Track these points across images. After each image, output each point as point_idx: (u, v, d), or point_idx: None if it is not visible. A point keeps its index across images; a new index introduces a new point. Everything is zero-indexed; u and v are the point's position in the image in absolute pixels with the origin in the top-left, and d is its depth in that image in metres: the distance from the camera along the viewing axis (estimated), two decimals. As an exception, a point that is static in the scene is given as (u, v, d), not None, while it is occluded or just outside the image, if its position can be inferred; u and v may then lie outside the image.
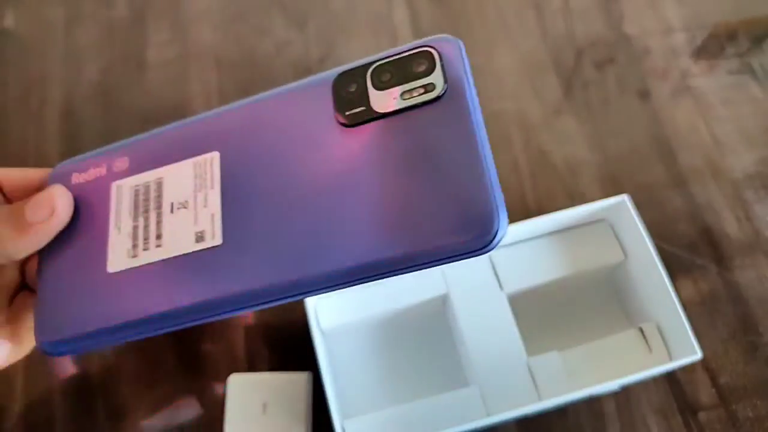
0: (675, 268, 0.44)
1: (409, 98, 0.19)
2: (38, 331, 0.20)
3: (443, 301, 0.40)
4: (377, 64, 0.20)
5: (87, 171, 0.22)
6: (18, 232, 0.20)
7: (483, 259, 0.40)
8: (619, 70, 0.52)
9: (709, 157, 0.48)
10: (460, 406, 0.36)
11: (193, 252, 0.20)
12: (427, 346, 0.41)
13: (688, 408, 0.40)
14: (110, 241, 0.21)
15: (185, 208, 0.20)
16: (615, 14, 0.54)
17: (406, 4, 0.55)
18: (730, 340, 0.42)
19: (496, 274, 0.39)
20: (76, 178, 0.23)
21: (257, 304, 0.19)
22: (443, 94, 0.18)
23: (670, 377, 0.41)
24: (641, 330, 0.39)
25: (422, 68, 0.19)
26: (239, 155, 0.20)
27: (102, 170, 0.22)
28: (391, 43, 0.53)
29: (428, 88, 0.18)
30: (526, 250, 0.40)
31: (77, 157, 0.23)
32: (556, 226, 0.40)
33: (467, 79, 0.19)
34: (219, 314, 0.19)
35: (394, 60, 0.19)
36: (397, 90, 0.19)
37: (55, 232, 0.21)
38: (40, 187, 0.23)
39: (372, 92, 0.19)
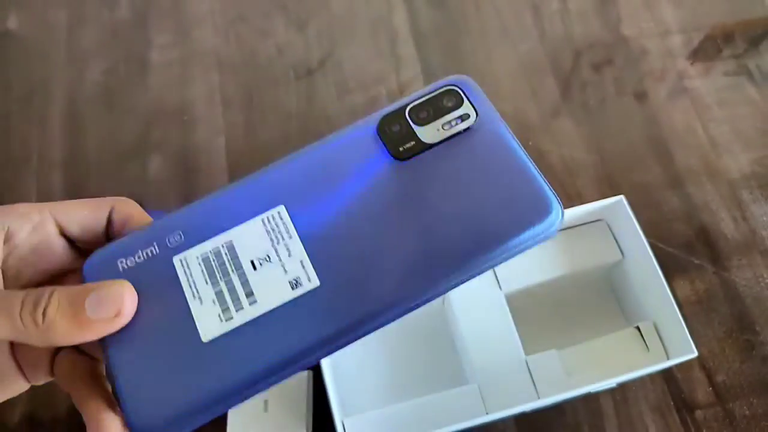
0: (672, 267, 0.44)
1: (449, 128, 0.22)
2: (135, 419, 0.20)
3: (443, 300, 0.41)
4: (412, 105, 0.23)
5: (134, 254, 0.22)
6: (76, 326, 0.19)
7: (482, 258, 0.40)
8: (617, 71, 0.52)
9: (706, 157, 0.49)
10: (460, 404, 0.36)
11: (292, 299, 0.21)
12: (426, 344, 0.42)
13: (685, 406, 0.40)
14: (194, 312, 0.21)
15: (269, 262, 0.21)
16: (612, 16, 0.55)
17: (405, 7, 0.56)
18: (727, 339, 0.42)
19: (494, 274, 0.40)
20: (124, 264, 0.21)
21: (367, 331, 0.21)
22: (476, 119, 0.22)
23: (667, 375, 0.41)
24: (638, 329, 0.39)
25: (452, 103, 0.23)
26: (305, 204, 0.22)
27: (153, 249, 0.22)
28: (390, 45, 0.54)
29: (463, 117, 0.22)
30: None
31: (112, 244, 0.22)
32: (554, 226, 0.41)
33: (491, 106, 0.23)
34: (329, 351, 0.20)
35: (425, 100, 0.23)
36: (437, 123, 0.22)
37: (115, 330, 0.20)
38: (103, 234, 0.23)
39: (416, 128, 0.22)
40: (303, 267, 0.21)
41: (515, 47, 0.54)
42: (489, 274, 0.40)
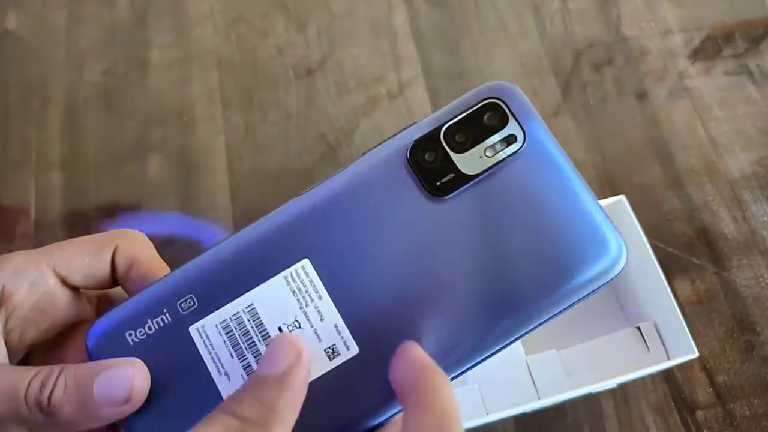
0: (672, 267, 0.44)
1: (494, 154, 0.19)
2: None
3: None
4: (447, 126, 0.19)
5: (144, 324, 0.19)
6: (82, 412, 0.17)
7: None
8: (617, 71, 0.52)
9: (706, 157, 0.49)
10: (460, 405, 0.36)
11: (330, 370, 0.18)
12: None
13: (685, 406, 0.40)
14: (221, 390, 0.18)
15: (299, 328, 0.19)
16: (613, 16, 0.55)
17: (405, 7, 0.56)
18: (728, 339, 0.42)
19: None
20: (133, 336, 0.19)
21: None
22: (525, 142, 0.19)
23: (668, 376, 0.41)
24: (639, 329, 0.39)
25: (495, 121, 0.19)
26: (330, 255, 0.19)
27: (164, 317, 0.19)
28: (391, 45, 0.54)
29: (509, 139, 0.19)
30: (525, 250, 0.41)
31: (117, 313, 0.19)
32: (555, 226, 0.41)
33: (540, 121, 0.19)
34: (372, 423, 0.18)
35: (462, 119, 0.19)
36: (479, 149, 0.19)
37: (123, 416, 0.18)
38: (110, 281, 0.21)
39: (455, 156, 0.19)
40: (338, 332, 0.18)
41: (515, 47, 0.54)
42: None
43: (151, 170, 0.49)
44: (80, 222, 0.47)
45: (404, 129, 0.20)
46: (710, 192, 0.47)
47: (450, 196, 0.18)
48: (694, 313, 0.43)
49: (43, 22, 0.56)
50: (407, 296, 0.18)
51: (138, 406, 0.18)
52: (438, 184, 0.18)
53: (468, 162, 0.19)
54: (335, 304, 0.18)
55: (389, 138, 0.19)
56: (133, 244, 0.20)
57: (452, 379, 0.18)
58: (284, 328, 0.19)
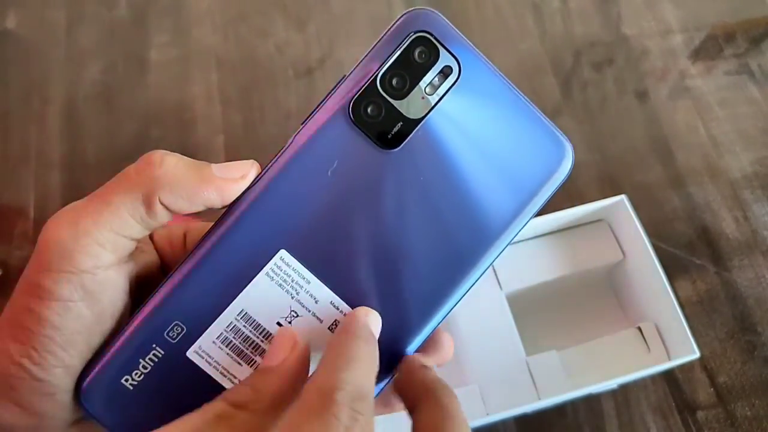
0: (673, 267, 0.44)
1: (433, 91, 0.18)
2: None
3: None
4: (381, 73, 0.18)
5: (137, 365, 0.18)
6: (198, 176, 0.18)
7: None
8: (618, 71, 0.52)
9: (707, 157, 0.48)
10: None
11: None
12: (426, 345, 0.42)
13: (686, 407, 0.40)
14: None
15: (297, 316, 0.18)
16: (613, 15, 0.55)
17: (405, 5, 0.55)
18: (728, 340, 0.42)
19: (495, 274, 0.40)
20: (131, 381, 0.18)
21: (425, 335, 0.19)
22: (460, 69, 0.18)
23: (669, 376, 0.41)
24: (640, 329, 0.39)
25: (427, 57, 0.18)
26: (304, 237, 0.18)
27: (156, 352, 0.18)
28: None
29: (445, 71, 0.18)
30: (525, 250, 0.41)
31: (103, 365, 0.18)
32: (555, 226, 0.41)
33: (467, 43, 0.19)
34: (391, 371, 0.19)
35: (394, 62, 0.18)
36: (418, 90, 0.18)
37: (234, 195, 0.18)
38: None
39: (397, 104, 0.18)
40: (336, 308, 0.19)
41: (515, 46, 0.54)
42: (489, 273, 0.39)
43: (150, 170, 0.49)
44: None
45: (334, 87, 0.19)
46: (711, 192, 0.47)
47: (403, 145, 0.18)
48: (694, 313, 0.43)
49: (43, 21, 0.56)
50: (389, 250, 0.19)
51: (247, 183, 0.18)
52: (389, 137, 0.18)
53: (411, 106, 0.18)
54: (324, 283, 0.18)
55: (324, 100, 0.19)
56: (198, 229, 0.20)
57: (456, 304, 0.20)
58: (283, 322, 0.18)
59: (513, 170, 0.19)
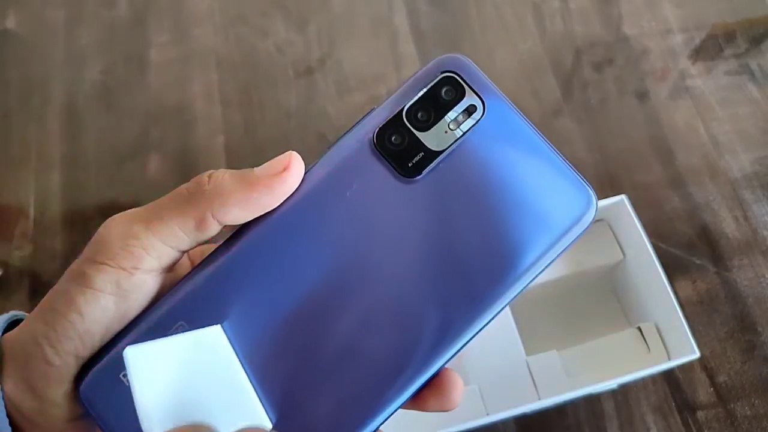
0: (673, 267, 0.44)
1: (457, 127, 0.19)
2: None
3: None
4: (408, 106, 0.19)
5: None
6: (244, 182, 0.18)
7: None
8: (618, 70, 0.52)
9: (707, 157, 0.48)
10: (460, 405, 0.36)
11: None
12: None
13: (686, 407, 0.40)
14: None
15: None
16: (614, 15, 0.55)
17: (405, 6, 0.55)
18: (728, 340, 0.42)
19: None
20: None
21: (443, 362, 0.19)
22: (485, 110, 0.19)
23: (669, 376, 0.41)
24: (640, 329, 0.39)
25: (452, 94, 0.19)
26: (335, 251, 0.18)
27: None
28: (391, 45, 0.54)
29: (470, 110, 0.19)
30: (526, 250, 0.41)
31: (105, 362, 0.18)
32: (555, 225, 0.41)
33: (495, 88, 0.19)
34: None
35: (421, 97, 0.19)
36: (442, 124, 0.19)
37: (285, 190, 0.19)
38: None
39: (421, 135, 0.19)
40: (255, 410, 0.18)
41: (516, 46, 0.53)
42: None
43: (150, 169, 0.49)
44: (79, 221, 0.47)
45: (363, 117, 0.20)
46: (711, 192, 0.47)
47: (422, 176, 0.19)
48: (694, 313, 0.43)
49: (43, 21, 0.56)
50: (396, 279, 0.18)
51: (295, 181, 0.19)
52: (410, 165, 0.19)
53: (434, 138, 0.19)
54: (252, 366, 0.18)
55: (351, 128, 0.20)
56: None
57: (467, 343, 0.19)
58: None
59: (533, 214, 0.19)
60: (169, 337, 0.17)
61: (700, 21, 0.54)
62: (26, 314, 0.20)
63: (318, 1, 0.56)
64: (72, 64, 0.54)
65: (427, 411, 0.20)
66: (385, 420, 0.19)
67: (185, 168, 0.49)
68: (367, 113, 0.20)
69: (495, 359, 0.37)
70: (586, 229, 0.19)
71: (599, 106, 0.51)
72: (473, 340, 0.19)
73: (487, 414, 0.36)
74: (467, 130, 0.19)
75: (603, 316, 0.42)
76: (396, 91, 0.20)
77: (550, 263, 0.19)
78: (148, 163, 0.49)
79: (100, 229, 0.18)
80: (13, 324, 0.20)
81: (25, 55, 0.54)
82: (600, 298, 0.43)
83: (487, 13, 0.55)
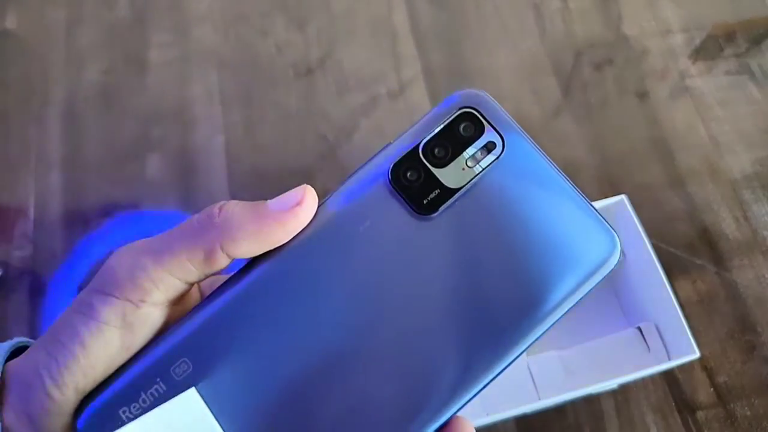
0: (673, 267, 0.44)
1: (475, 164, 0.18)
2: None
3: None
4: (424, 142, 0.18)
5: (138, 399, 0.18)
6: (255, 216, 0.18)
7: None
8: (618, 70, 0.52)
9: (708, 157, 0.48)
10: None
11: None
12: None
13: (686, 407, 0.40)
14: None
15: None
16: (613, 15, 0.55)
17: (405, 6, 0.55)
18: (728, 340, 0.42)
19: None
20: (128, 413, 0.18)
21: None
22: (504, 148, 0.18)
23: (669, 376, 0.41)
24: (640, 329, 0.39)
25: (471, 130, 0.19)
26: (350, 285, 0.18)
27: (159, 387, 0.18)
28: (390, 45, 0.54)
29: (489, 147, 0.18)
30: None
31: (105, 396, 0.18)
32: (555, 226, 0.41)
33: (515, 124, 0.19)
34: None
35: (439, 132, 0.19)
36: (460, 161, 0.18)
37: (297, 225, 0.18)
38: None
39: (437, 172, 0.18)
40: None
41: (516, 46, 0.53)
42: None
43: (150, 170, 0.49)
44: (79, 221, 0.47)
45: (379, 151, 0.19)
46: (711, 192, 0.47)
47: (437, 213, 0.18)
48: (695, 313, 0.43)
49: (43, 21, 0.56)
50: (407, 318, 0.18)
51: (308, 216, 0.18)
52: (425, 202, 0.18)
53: (451, 175, 0.18)
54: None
55: (366, 162, 0.19)
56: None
57: (477, 393, 0.18)
58: None
59: (554, 255, 0.18)
60: (142, 418, 0.17)
61: (700, 21, 0.54)
62: (31, 341, 0.20)
63: (318, 1, 0.56)
64: (72, 64, 0.54)
65: None
66: None
67: (185, 168, 0.49)
68: (383, 147, 0.19)
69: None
70: (611, 271, 0.18)
71: (599, 107, 0.51)
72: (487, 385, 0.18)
73: (487, 414, 0.36)
74: (486, 167, 0.18)
75: (603, 317, 0.42)
76: (413, 125, 0.19)
77: (572, 308, 0.18)
78: (148, 163, 0.49)
79: (109, 260, 0.18)
80: (19, 351, 0.20)
81: (25, 55, 0.54)
82: (600, 298, 0.43)
83: (487, 13, 0.55)
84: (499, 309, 0.18)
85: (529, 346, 0.18)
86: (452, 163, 0.18)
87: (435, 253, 0.18)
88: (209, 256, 0.18)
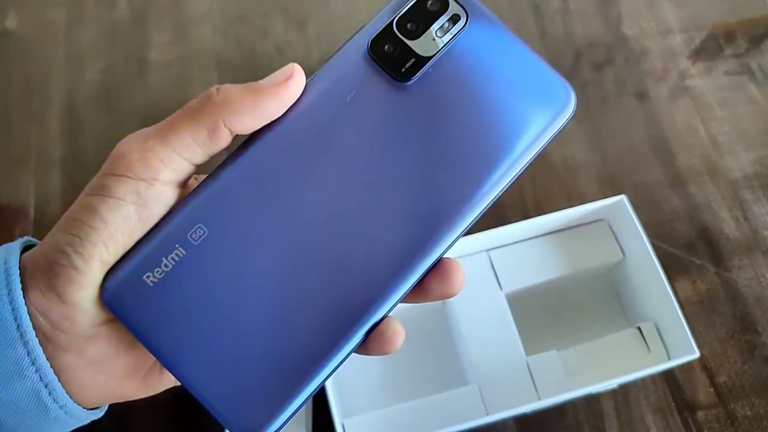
0: (673, 267, 0.44)
1: (443, 34, 0.21)
2: (235, 421, 0.19)
3: (443, 301, 0.40)
4: (397, 18, 0.21)
5: (160, 264, 0.20)
6: (250, 93, 0.19)
7: (482, 258, 0.40)
8: (618, 71, 0.52)
9: (707, 157, 0.48)
10: (460, 405, 0.36)
11: None
12: (427, 345, 0.42)
13: (686, 407, 0.40)
14: None
15: None
16: (613, 15, 0.55)
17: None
18: (728, 340, 0.42)
19: (495, 274, 0.40)
20: (152, 277, 0.19)
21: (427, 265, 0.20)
22: (467, 18, 0.21)
23: (669, 376, 0.41)
24: (639, 329, 0.39)
25: (437, 5, 0.21)
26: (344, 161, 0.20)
27: (178, 252, 0.20)
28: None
29: (454, 18, 0.21)
30: (525, 250, 0.41)
31: (126, 265, 0.19)
32: (555, 226, 0.41)
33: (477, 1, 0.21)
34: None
35: (409, 10, 0.21)
36: (430, 33, 0.21)
37: (290, 98, 0.20)
38: None
39: (411, 43, 0.21)
40: None
41: (516, 46, 0.53)
42: (489, 274, 0.39)
43: (150, 170, 0.49)
44: (79, 221, 0.47)
45: (353, 34, 0.21)
46: (711, 192, 0.47)
47: (415, 79, 0.20)
48: (694, 313, 0.43)
49: (43, 21, 0.56)
50: (412, 159, 0.20)
51: (298, 89, 0.20)
52: (404, 70, 0.20)
53: (423, 45, 0.21)
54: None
55: (345, 43, 0.21)
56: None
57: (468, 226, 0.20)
58: None
59: (516, 112, 0.21)
60: None
61: (700, 21, 0.54)
62: (38, 241, 0.21)
63: (318, 1, 0.56)
64: (72, 64, 0.54)
65: (431, 299, 0.21)
66: (399, 300, 0.20)
67: (185, 168, 0.49)
68: (357, 31, 0.21)
69: (495, 359, 0.37)
70: (565, 123, 0.21)
71: (599, 107, 0.51)
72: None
73: (487, 414, 0.36)
74: (453, 36, 0.21)
75: (603, 316, 0.42)
76: (385, 6, 0.21)
77: (537, 154, 0.21)
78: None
79: (116, 147, 0.19)
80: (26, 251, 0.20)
81: (25, 55, 0.54)
82: (600, 298, 0.43)
83: (487, 13, 0.55)
84: (473, 156, 0.20)
85: (503, 190, 0.20)
86: (423, 35, 0.21)
87: (414, 114, 0.20)
88: (213, 132, 0.19)
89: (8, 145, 0.51)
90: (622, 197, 0.39)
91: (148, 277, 0.19)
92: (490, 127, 0.20)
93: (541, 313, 0.42)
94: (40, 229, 0.47)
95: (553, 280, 0.40)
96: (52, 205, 0.48)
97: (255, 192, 0.20)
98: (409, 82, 0.20)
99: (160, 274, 0.19)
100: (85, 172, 0.49)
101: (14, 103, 0.52)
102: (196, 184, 0.21)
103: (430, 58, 0.21)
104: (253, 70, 0.53)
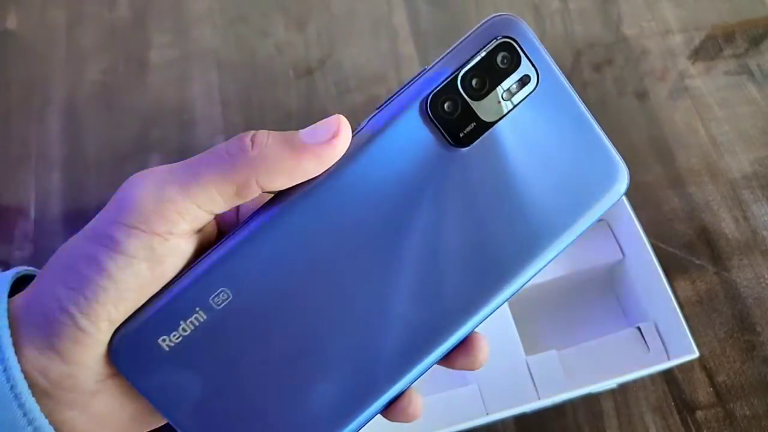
0: (672, 267, 0.44)
1: (510, 98, 0.18)
2: None
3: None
4: (463, 73, 0.18)
5: (178, 328, 0.18)
6: (289, 149, 0.17)
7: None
8: (617, 71, 0.52)
9: (707, 157, 0.49)
10: (459, 405, 0.36)
11: None
12: (426, 345, 0.42)
13: (685, 407, 0.40)
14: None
15: None
16: (613, 16, 0.55)
17: (405, 6, 0.55)
18: (728, 340, 0.42)
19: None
20: (166, 341, 0.18)
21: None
22: (538, 82, 0.19)
23: (668, 376, 0.41)
24: (639, 329, 0.39)
25: (509, 63, 0.18)
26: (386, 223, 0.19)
27: (199, 316, 0.18)
28: (391, 45, 0.54)
29: (524, 80, 0.18)
30: (525, 250, 0.41)
31: (138, 323, 0.18)
32: (555, 226, 0.41)
33: (548, 56, 0.19)
34: None
35: (477, 63, 0.18)
36: (496, 94, 0.18)
37: (333, 157, 0.18)
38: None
39: (474, 105, 0.18)
40: None
41: (515, 46, 0.54)
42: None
43: (150, 170, 0.49)
44: (80, 221, 0.47)
45: (412, 80, 0.19)
46: (711, 192, 0.47)
47: (472, 146, 0.18)
48: (694, 313, 0.43)
49: (44, 21, 0.56)
50: (434, 244, 0.19)
51: (344, 146, 0.18)
52: (461, 135, 0.18)
53: (487, 108, 0.18)
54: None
55: (401, 90, 0.19)
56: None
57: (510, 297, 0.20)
58: None
59: (569, 186, 0.19)
60: None
61: (700, 21, 0.54)
62: (33, 269, 0.19)
63: (318, 1, 0.56)
64: (72, 64, 0.54)
65: (452, 368, 0.21)
66: (425, 370, 0.20)
67: (185, 168, 0.49)
68: (418, 74, 0.19)
69: (495, 359, 0.37)
70: (615, 201, 0.20)
71: (599, 107, 0.51)
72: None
73: (487, 414, 0.36)
74: (519, 102, 0.19)
75: (602, 316, 0.42)
76: (447, 51, 0.19)
77: (584, 231, 0.20)
78: (148, 163, 0.49)
79: (127, 189, 0.17)
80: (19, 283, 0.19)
81: (26, 55, 0.54)
82: (599, 298, 0.43)
83: (487, 13, 0.55)
84: (518, 232, 0.19)
85: (540, 269, 0.19)
86: (489, 96, 0.18)
87: (464, 186, 0.19)
88: (242, 189, 0.17)
89: (8, 145, 0.51)
90: (622, 197, 0.39)
91: (164, 340, 0.18)
92: (539, 208, 0.19)
93: (541, 313, 0.42)
94: (40, 229, 0.47)
95: (552, 280, 0.40)
96: (52, 205, 0.48)
97: (288, 257, 0.18)
98: (464, 148, 0.18)
99: (177, 338, 0.18)
100: (85, 171, 0.49)
101: (14, 103, 0.52)
102: (212, 229, 0.20)
103: (492, 124, 0.18)
104: (253, 69, 0.53)
